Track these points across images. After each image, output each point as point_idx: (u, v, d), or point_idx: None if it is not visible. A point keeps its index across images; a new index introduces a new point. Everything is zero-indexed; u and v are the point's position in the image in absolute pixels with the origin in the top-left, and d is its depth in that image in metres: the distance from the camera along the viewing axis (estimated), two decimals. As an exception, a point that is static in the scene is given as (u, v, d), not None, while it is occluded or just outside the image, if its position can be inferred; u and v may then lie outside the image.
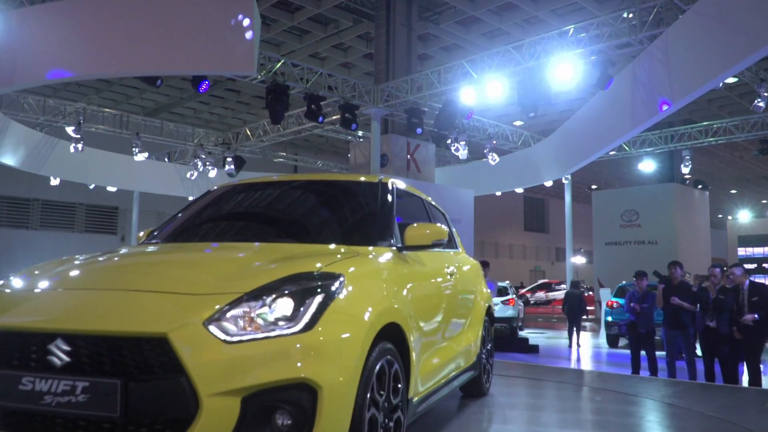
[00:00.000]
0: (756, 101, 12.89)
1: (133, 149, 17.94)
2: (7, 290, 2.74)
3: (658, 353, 9.20)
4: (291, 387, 2.24)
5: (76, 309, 2.43)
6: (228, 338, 2.24)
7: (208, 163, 19.72)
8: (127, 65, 10.38)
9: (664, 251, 19.60)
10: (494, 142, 18.11)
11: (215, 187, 4.28)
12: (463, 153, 16.61)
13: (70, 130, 16.34)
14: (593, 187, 31.76)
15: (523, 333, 17.00)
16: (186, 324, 2.25)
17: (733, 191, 36.15)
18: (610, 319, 14.18)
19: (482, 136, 18.04)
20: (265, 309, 2.33)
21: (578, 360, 12.68)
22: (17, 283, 2.81)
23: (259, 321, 2.31)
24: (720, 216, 39.75)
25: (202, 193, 4.27)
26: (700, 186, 24.79)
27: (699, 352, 8.88)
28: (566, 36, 11.40)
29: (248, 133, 19.53)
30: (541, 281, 33.53)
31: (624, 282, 15.45)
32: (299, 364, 2.25)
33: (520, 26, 16.39)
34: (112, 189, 20.90)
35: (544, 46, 11.66)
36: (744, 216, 37.17)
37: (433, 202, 4.91)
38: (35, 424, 2.33)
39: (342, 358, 2.38)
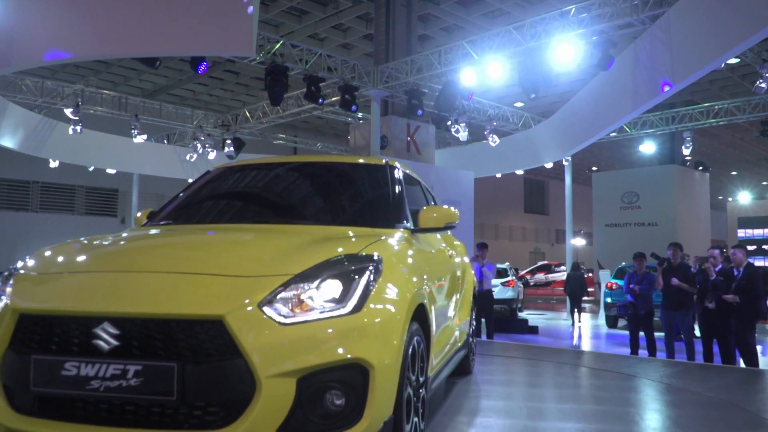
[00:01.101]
0: (758, 82, 12.81)
1: (132, 131, 17.88)
2: (40, 273, 2.64)
3: (656, 334, 9.25)
4: (344, 367, 2.26)
5: (124, 292, 2.37)
6: (283, 320, 2.25)
7: (207, 145, 19.66)
8: (125, 46, 10.31)
9: (664, 233, 19.63)
10: (495, 123, 18.04)
11: (216, 167, 4.22)
12: (463, 135, 16.55)
13: (68, 111, 16.27)
14: (593, 168, 31.71)
15: (522, 314, 17.09)
16: (242, 306, 2.24)
17: (734, 173, 36.09)
18: (609, 300, 14.25)
19: (482, 118, 17.96)
20: (314, 291, 2.35)
21: (578, 340, 12.75)
22: (46, 265, 2.70)
23: (309, 303, 2.32)
24: (720, 198, 39.74)
25: (201, 174, 4.21)
26: (700, 168, 24.75)
27: (697, 333, 8.93)
28: (567, 16, 11.29)
29: (247, 114, 19.45)
30: (540, 263, 33.59)
31: (623, 263, 15.50)
32: (352, 345, 2.27)
33: (520, 6, 16.24)
34: (111, 171, 20.87)
35: (545, 26, 11.56)
36: (744, 198, 37.17)
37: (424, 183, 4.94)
38: (77, 409, 2.29)
39: (388, 339, 2.41)
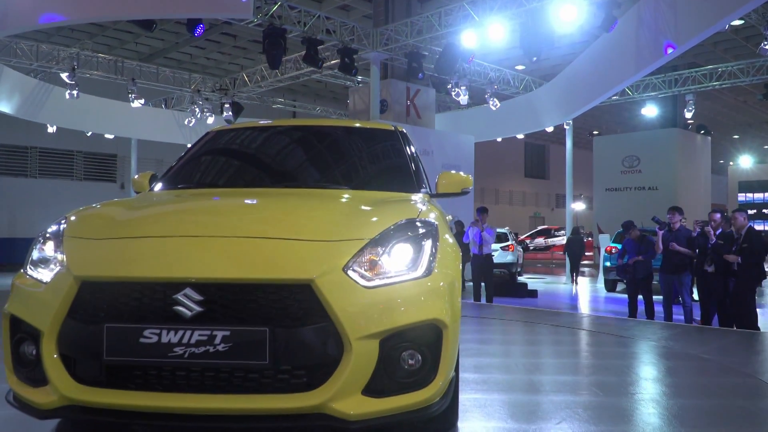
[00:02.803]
0: (762, 44, 12.61)
1: (129, 95, 17.70)
2: (97, 239, 2.48)
3: (655, 298, 9.31)
4: (421, 328, 2.32)
5: (207, 257, 2.30)
6: (365, 283, 2.30)
7: (205, 110, 19.49)
8: (120, 8, 10.14)
9: (664, 197, 19.62)
10: (495, 86, 17.86)
11: (217, 129, 4.11)
12: (463, 98, 16.40)
13: (64, 76, 16.09)
14: (595, 132, 31.52)
15: (522, 278, 17.19)
16: (329, 270, 2.27)
17: (736, 136, 35.86)
18: (608, 264, 14.31)
19: (483, 81, 17.77)
20: (387, 256, 2.40)
21: (576, 304, 12.85)
22: (100, 230, 2.54)
23: (384, 267, 2.37)
24: (721, 161, 39.59)
25: (204, 136, 4.06)
26: (702, 131, 24.59)
27: (696, 296, 8.99)
28: (571, -24, 11.06)
29: (246, 78, 19.24)
30: (540, 227, 33.63)
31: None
32: (428, 307, 2.34)
33: (523, -34, 15.91)
34: (109, 136, 20.72)
35: (548, -14, 11.34)
36: (745, 161, 37.04)
37: None
38: (150, 377, 2.24)
39: (454, 299, 2.51)
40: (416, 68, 14.35)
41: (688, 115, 18.86)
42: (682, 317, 8.65)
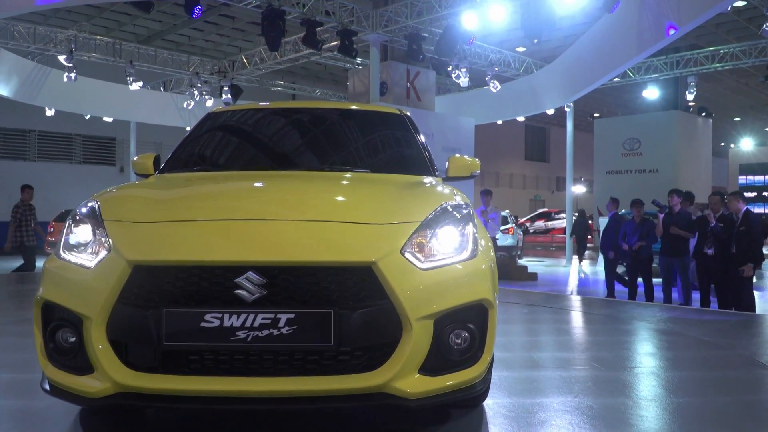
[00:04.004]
0: (764, 25, 12.50)
1: (128, 78, 17.61)
2: (143, 222, 2.43)
3: (654, 280, 9.33)
4: (471, 308, 2.40)
5: (269, 241, 2.30)
6: (421, 265, 2.35)
7: (204, 92, 19.40)
8: (117, -10, 10.03)
9: (665, 179, 19.58)
10: (496, 69, 17.75)
11: (216, 110, 4.05)
12: (464, 80, 16.31)
13: (62, 58, 16.00)
14: (595, 115, 31.39)
15: (522, 261, 17.23)
16: (389, 252, 2.31)
17: (737, 119, 35.72)
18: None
19: (484, 63, 17.66)
20: (436, 238, 2.46)
21: (576, 286, 12.88)
22: (144, 213, 2.49)
23: (434, 249, 2.43)
24: (722, 144, 39.48)
25: (206, 118, 3.97)
26: (703, 114, 24.47)
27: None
28: (572, -44, 10.96)
29: (245, 60, 19.12)
30: (540, 210, 33.65)
31: (623, 210, 15.51)
32: (476, 288, 2.43)
33: (524, -54, 15.74)
34: (108, 119, 20.64)
35: (549, -33, 11.22)
36: (746, 144, 36.94)
37: None
38: (206, 362, 2.22)
39: (495, 279, 2.62)
40: (416, 50, 14.26)
41: (690, 97, 18.78)
42: (682, 300, 8.68)
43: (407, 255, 2.34)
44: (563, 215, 23.98)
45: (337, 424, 2.83)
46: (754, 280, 7.90)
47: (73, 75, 16.18)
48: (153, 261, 2.25)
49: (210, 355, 2.22)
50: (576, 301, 7.94)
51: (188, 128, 20.57)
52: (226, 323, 2.15)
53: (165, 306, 2.18)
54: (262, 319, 2.16)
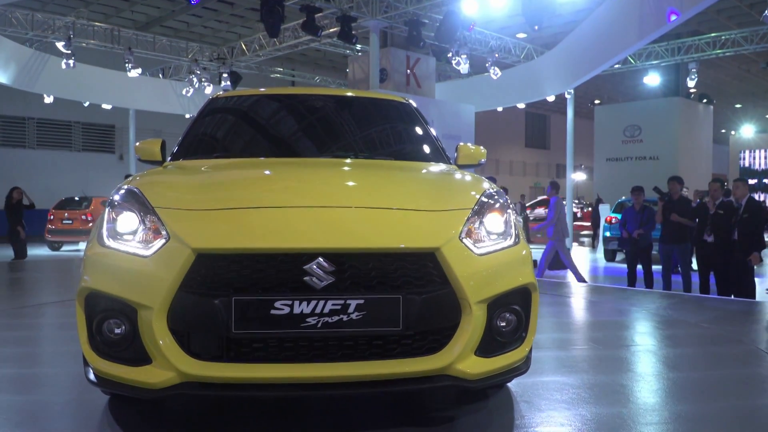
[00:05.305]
0: (766, 11, 12.43)
1: (126, 65, 17.53)
2: (202, 210, 2.37)
3: (654, 267, 9.34)
4: (518, 292, 2.51)
5: (336, 228, 2.30)
6: (476, 251, 2.43)
7: (203, 79, 19.31)
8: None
9: (666, 167, 19.56)
10: (496, 55, 17.66)
11: (218, 96, 3.99)
12: (464, 67, 16.23)
13: (60, 45, 15.92)
14: (596, 102, 31.29)
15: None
16: (450, 239, 2.37)
17: (738, 105, 35.59)
18: (608, 234, 14.33)
19: (484, 50, 17.57)
20: (483, 224, 2.55)
21: (575, 274, 12.89)
22: (201, 201, 2.45)
23: (482, 235, 2.52)
24: (723, 131, 39.37)
25: (199, 109, 3.87)
26: (704, 100, 24.40)
27: (695, 266, 9.01)
28: (574, -59, 10.87)
29: (244, 47, 19.02)
30: (540, 197, 33.62)
31: (623, 198, 15.51)
32: (522, 272, 2.54)
33: (525, -69, 15.60)
34: (107, 107, 20.57)
35: (550, -48, 11.15)
36: (747, 131, 36.82)
37: None
38: (271, 349, 2.21)
39: (532, 264, 2.70)
40: (416, 36, 14.18)
41: (691, 83, 18.71)
42: (681, 286, 8.69)
43: (465, 241, 2.41)
44: (564, 203, 23.94)
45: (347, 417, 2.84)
46: (755, 267, 7.88)
47: (71, 62, 16.12)
48: (220, 249, 2.20)
49: (274, 342, 2.21)
50: (576, 287, 7.96)
51: (188, 115, 20.57)
52: (296, 310, 2.15)
53: (233, 294, 2.15)
54: (332, 305, 2.17)
